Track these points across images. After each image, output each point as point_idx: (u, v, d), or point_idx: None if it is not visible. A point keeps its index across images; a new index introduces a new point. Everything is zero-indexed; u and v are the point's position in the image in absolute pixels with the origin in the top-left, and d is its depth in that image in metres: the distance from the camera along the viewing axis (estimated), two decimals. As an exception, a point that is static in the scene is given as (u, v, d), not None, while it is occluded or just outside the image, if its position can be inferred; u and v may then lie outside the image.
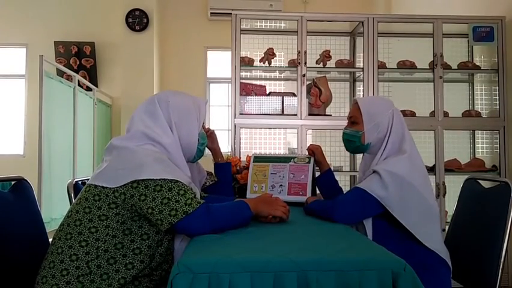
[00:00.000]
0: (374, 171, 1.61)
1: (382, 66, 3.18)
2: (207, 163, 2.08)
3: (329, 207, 1.60)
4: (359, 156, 2.81)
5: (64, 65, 4.82)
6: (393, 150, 1.68)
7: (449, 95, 3.23)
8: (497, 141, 3.13)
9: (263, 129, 3.35)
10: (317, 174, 2.07)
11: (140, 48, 5.04)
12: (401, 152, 1.64)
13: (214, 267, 0.99)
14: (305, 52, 3.06)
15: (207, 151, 1.95)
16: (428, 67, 3.19)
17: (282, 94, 3.13)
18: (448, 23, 3.19)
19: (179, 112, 1.52)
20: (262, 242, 1.21)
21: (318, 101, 3.10)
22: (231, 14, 3.09)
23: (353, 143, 1.75)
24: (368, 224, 1.62)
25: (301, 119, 3.04)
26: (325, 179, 2.01)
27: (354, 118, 1.75)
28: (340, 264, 1.02)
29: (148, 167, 1.32)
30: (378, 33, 3.12)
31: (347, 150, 1.86)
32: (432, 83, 3.14)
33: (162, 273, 1.41)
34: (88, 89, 4.78)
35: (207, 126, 2.04)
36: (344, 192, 1.87)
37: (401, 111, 3.07)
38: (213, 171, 2.10)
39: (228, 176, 2.09)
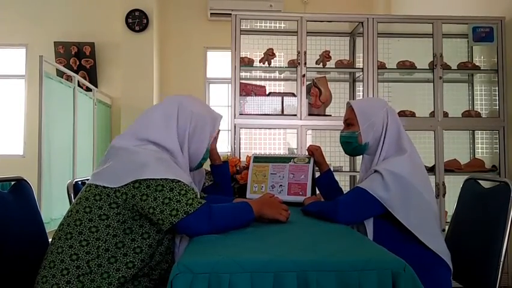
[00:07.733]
0: (376, 171, 1.60)
1: (382, 66, 3.19)
2: (206, 162, 2.07)
3: (330, 208, 1.59)
4: (359, 156, 2.80)
5: (63, 66, 4.82)
6: (392, 148, 1.68)
7: (448, 95, 3.24)
8: (497, 141, 3.13)
9: (263, 129, 3.35)
10: (317, 174, 2.07)
11: (140, 49, 5.04)
12: (401, 151, 1.64)
13: (214, 267, 0.99)
14: (305, 52, 3.06)
15: None
16: (428, 67, 3.19)
17: (282, 94, 3.13)
18: (448, 23, 3.19)
19: (196, 124, 1.52)
20: (262, 242, 1.21)
21: (317, 101, 3.10)
22: (230, 14, 3.09)
23: (351, 144, 1.75)
24: (369, 224, 1.61)
25: (301, 119, 3.04)
26: (325, 179, 2.01)
27: (349, 120, 1.76)
28: (340, 264, 1.02)
29: (149, 166, 1.32)
30: (378, 33, 3.12)
31: (345, 153, 1.86)
32: (432, 83, 3.15)
33: (161, 272, 1.41)
34: (88, 89, 4.78)
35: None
36: (345, 193, 1.86)
37: (401, 111, 3.12)
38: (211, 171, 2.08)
39: (226, 178, 2.05)
